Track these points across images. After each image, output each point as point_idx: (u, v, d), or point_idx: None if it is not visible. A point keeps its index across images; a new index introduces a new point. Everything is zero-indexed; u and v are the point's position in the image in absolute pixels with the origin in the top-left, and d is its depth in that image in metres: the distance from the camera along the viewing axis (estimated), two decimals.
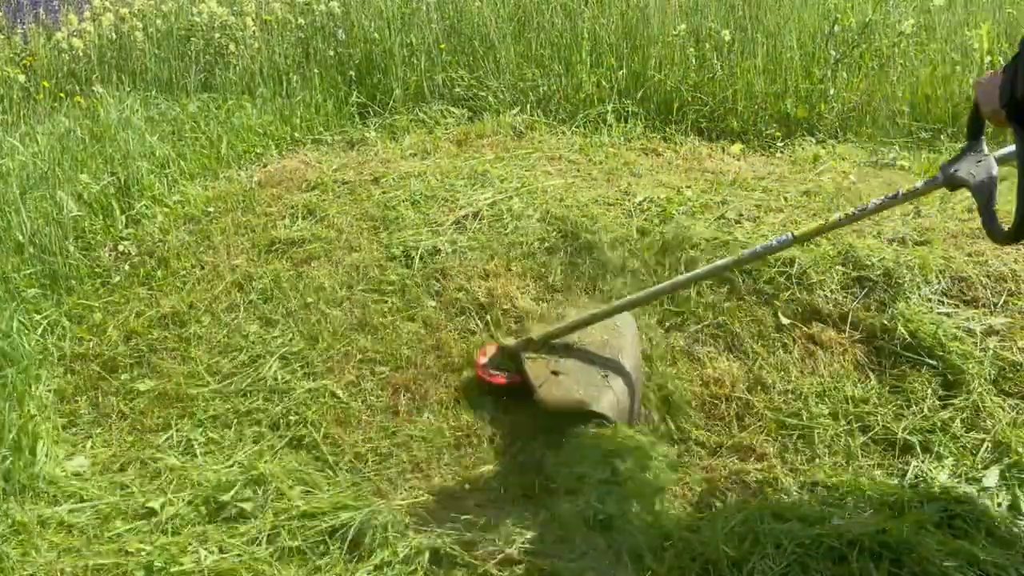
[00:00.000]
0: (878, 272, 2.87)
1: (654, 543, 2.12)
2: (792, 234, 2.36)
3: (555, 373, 2.54)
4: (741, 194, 3.48)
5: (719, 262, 2.56)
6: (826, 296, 2.83)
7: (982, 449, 2.28)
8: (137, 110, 4.63)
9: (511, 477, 2.45)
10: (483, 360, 2.71)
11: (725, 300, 2.88)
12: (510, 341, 2.70)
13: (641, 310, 2.83)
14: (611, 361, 2.56)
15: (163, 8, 5.90)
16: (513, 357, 2.66)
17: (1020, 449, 2.24)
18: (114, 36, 5.68)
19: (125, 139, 4.14)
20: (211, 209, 3.80)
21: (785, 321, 2.78)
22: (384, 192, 3.72)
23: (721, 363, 2.69)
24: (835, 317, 2.76)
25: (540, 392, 2.49)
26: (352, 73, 5.04)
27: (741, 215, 3.31)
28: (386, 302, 3.11)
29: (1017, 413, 2.36)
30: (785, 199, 3.43)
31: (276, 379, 2.86)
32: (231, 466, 2.55)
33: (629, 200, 3.45)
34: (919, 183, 2.22)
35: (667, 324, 2.86)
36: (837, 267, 2.93)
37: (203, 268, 3.42)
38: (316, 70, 5.02)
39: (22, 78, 5.25)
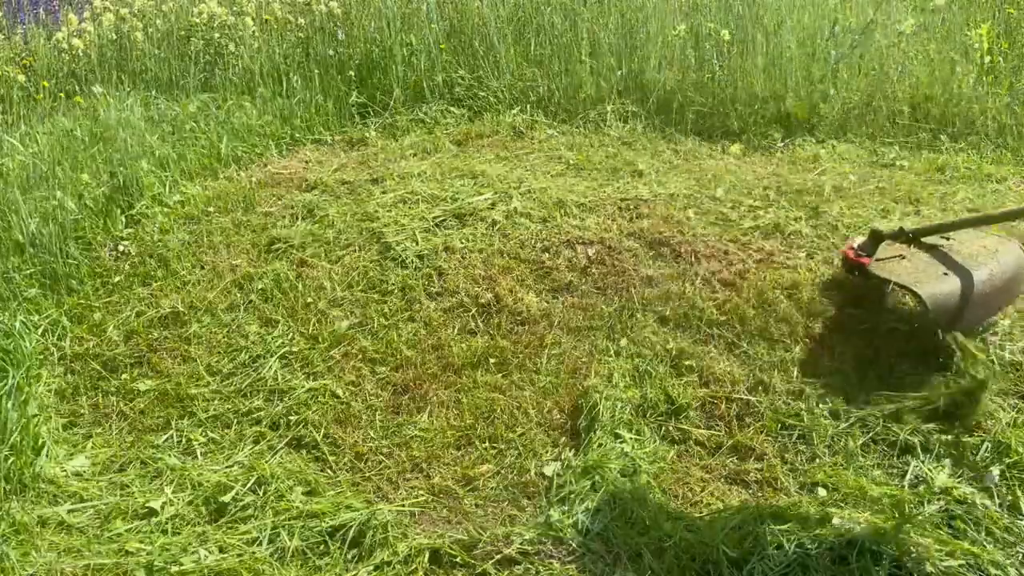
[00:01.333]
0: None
1: (653, 543, 2.12)
2: None
3: (901, 257, 2.64)
4: (742, 192, 3.48)
5: None
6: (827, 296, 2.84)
7: (982, 449, 2.28)
8: (137, 110, 4.63)
9: (511, 477, 2.45)
10: (855, 244, 2.83)
11: (726, 300, 2.88)
12: (884, 227, 2.78)
13: None
14: (964, 269, 2.52)
15: (163, 8, 5.91)
16: (878, 242, 2.75)
17: (1020, 449, 2.24)
18: (114, 36, 5.69)
19: (125, 139, 4.14)
20: (211, 209, 3.80)
21: (786, 321, 2.77)
22: (384, 192, 3.73)
23: (722, 363, 2.69)
24: (837, 316, 2.76)
25: (873, 264, 2.64)
26: (352, 73, 5.04)
27: (742, 215, 3.31)
28: (386, 302, 3.11)
29: (1017, 413, 2.36)
30: (785, 199, 3.43)
31: (276, 379, 2.86)
32: (231, 466, 2.54)
33: (630, 199, 3.45)
34: None
35: (670, 323, 2.86)
36: (836, 270, 2.93)
37: (203, 268, 3.42)
38: (316, 70, 5.02)
39: (22, 78, 5.25)
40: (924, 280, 2.49)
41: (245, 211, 3.76)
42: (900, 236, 2.70)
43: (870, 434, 2.41)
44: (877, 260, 2.65)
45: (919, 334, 2.57)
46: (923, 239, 2.68)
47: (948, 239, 2.67)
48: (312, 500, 2.36)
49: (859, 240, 2.85)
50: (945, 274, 2.50)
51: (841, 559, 2.00)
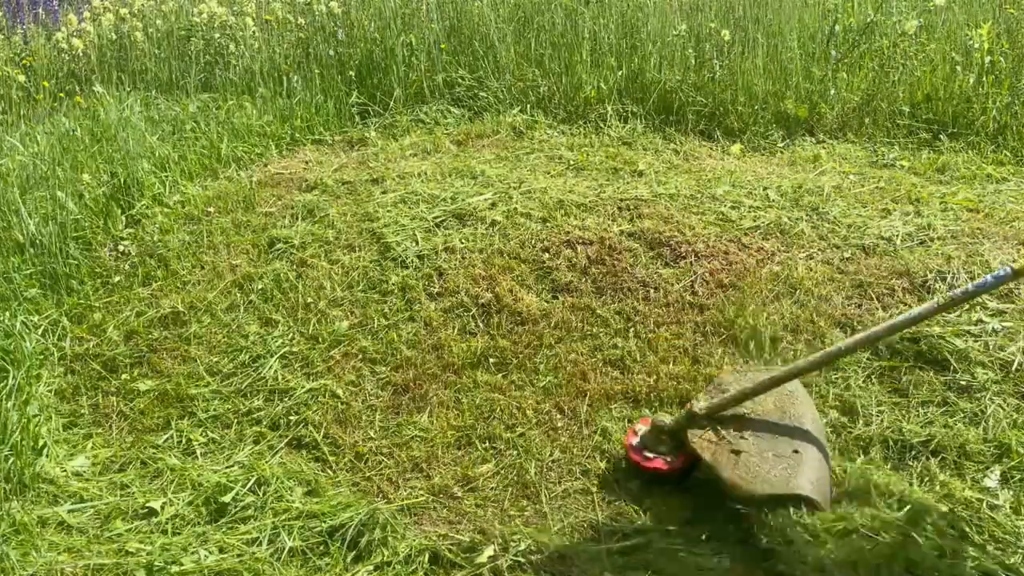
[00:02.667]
0: (879, 272, 2.87)
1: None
2: (1011, 268, 2.08)
3: (735, 452, 2.18)
4: (742, 193, 3.48)
5: (922, 308, 2.18)
6: (825, 296, 2.84)
7: (983, 450, 2.28)
8: (137, 110, 4.63)
9: (511, 477, 2.45)
10: (634, 440, 2.36)
11: (729, 302, 2.88)
12: (667, 417, 2.35)
13: None
14: (796, 431, 2.21)
15: (163, 8, 5.91)
16: (674, 435, 2.31)
17: (1020, 450, 2.24)
18: (114, 36, 5.69)
19: (125, 139, 4.14)
20: (211, 209, 3.80)
21: (787, 323, 2.78)
22: (384, 192, 3.73)
23: (724, 364, 2.69)
24: (836, 317, 2.76)
25: (729, 478, 2.13)
26: (352, 73, 5.04)
27: (742, 215, 3.31)
28: (386, 302, 3.11)
29: (1017, 413, 2.36)
30: (785, 199, 3.43)
31: (276, 379, 2.86)
32: (231, 466, 2.54)
33: (629, 199, 3.45)
34: None
35: (670, 323, 2.86)
36: (837, 269, 2.93)
37: (203, 268, 3.42)
38: (316, 70, 5.02)
39: (22, 78, 5.26)
40: (794, 473, 2.10)
41: (245, 211, 3.76)
42: (697, 422, 2.27)
43: (871, 434, 2.41)
44: (729, 477, 2.13)
45: None
46: (722, 413, 2.28)
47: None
48: (312, 500, 2.36)
49: (641, 428, 2.39)
50: (796, 452, 2.16)
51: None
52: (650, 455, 2.32)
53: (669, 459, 2.31)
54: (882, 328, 2.22)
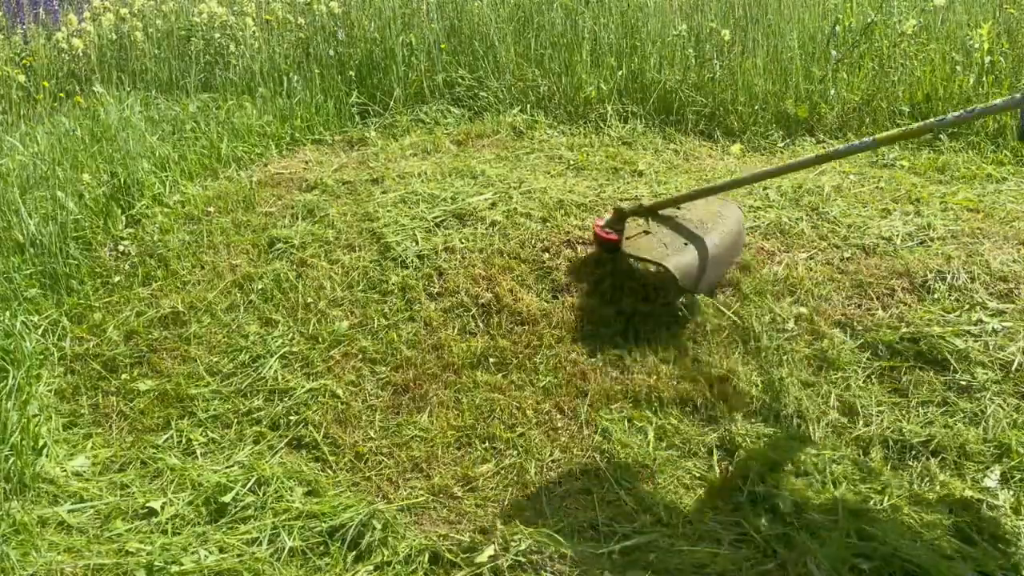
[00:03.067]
0: (879, 272, 2.87)
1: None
2: (874, 137, 2.62)
3: (646, 232, 2.93)
4: (742, 192, 3.48)
5: (809, 156, 2.82)
6: (825, 296, 2.84)
7: (983, 450, 2.28)
8: (137, 110, 4.63)
9: (511, 477, 2.45)
10: (601, 221, 3.10)
11: (732, 300, 2.88)
12: (626, 205, 3.04)
13: None
14: (698, 236, 2.89)
15: (163, 8, 5.91)
16: (623, 218, 3.03)
17: (1020, 450, 2.24)
18: (114, 36, 5.69)
19: (125, 139, 4.14)
20: (211, 209, 3.80)
21: (788, 323, 2.78)
22: (384, 192, 3.73)
23: (725, 363, 2.69)
24: (836, 317, 2.76)
25: (625, 243, 2.91)
26: (352, 73, 5.04)
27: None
28: (386, 302, 3.11)
29: (1017, 413, 2.36)
30: (785, 199, 3.43)
31: (276, 379, 2.86)
32: (231, 466, 2.54)
33: (630, 200, 3.44)
34: (997, 100, 2.42)
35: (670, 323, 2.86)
36: (837, 269, 2.93)
37: (203, 268, 3.42)
38: (316, 70, 5.02)
39: (22, 78, 5.26)
40: (670, 253, 2.82)
41: (245, 211, 3.76)
42: (640, 211, 3.01)
43: (871, 434, 2.41)
44: (627, 239, 2.92)
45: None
46: (660, 211, 3.00)
47: (680, 209, 3.02)
48: (312, 500, 2.36)
49: (606, 217, 3.13)
50: (685, 244, 2.86)
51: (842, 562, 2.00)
52: (608, 230, 3.04)
53: (620, 234, 3.01)
54: (780, 167, 2.90)
